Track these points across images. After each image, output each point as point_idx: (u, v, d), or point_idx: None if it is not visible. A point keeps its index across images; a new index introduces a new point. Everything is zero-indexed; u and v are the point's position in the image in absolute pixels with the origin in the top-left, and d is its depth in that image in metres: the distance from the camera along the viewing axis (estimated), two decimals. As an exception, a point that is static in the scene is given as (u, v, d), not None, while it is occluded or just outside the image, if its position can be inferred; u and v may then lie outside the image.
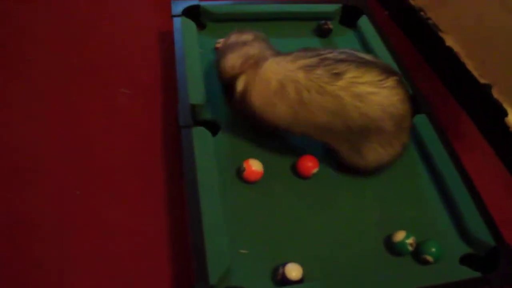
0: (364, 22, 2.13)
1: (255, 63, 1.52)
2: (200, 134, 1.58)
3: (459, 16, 2.24)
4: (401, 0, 2.57)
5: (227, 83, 1.59)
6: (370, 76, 1.42)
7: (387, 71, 1.45)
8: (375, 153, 1.52)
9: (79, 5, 2.51)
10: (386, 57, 1.98)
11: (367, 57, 1.47)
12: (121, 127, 1.94)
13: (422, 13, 2.45)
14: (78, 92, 2.07)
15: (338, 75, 1.41)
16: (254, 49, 1.56)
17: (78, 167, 1.81)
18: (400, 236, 1.43)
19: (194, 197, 1.41)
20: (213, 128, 1.67)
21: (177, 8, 2.05)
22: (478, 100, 2.14)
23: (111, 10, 2.51)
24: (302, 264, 1.35)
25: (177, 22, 2.00)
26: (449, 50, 2.26)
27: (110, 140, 1.90)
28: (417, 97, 1.82)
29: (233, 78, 1.55)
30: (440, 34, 2.33)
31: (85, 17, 2.45)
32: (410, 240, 1.42)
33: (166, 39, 2.32)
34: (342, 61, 1.43)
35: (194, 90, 1.70)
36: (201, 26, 2.08)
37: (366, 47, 2.07)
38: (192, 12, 2.06)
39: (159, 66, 2.20)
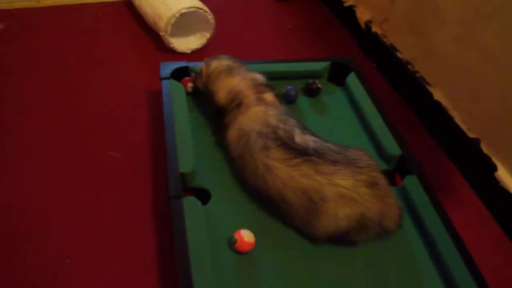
0: (352, 80, 2.15)
1: (238, 105, 1.79)
2: (191, 205, 1.57)
3: (446, 69, 2.27)
4: (389, 53, 2.60)
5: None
6: (280, 155, 1.59)
7: (297, 154, 1.59)
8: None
9: (67, 66, 2.52)
10: (374, 114, 1.99)
11: (299, 139, 1.63)
12: (110, 192, 1.93)
13: (409, 66, 2.48)
14: (67, 154, 2.06)
15: (266, 148, 1.63)
16: (241, 85, 1.85)
17: (68, 234, 1.79)
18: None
19: (186, 273, 1.39)
20: (203, 195, 1.66)
21: (166, 70, 2.06)
22: (467, 154, 2.15)
23: (99, 71, 2.52)
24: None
25: (166, 84, 2.01)
26: (437, 104, 2.28)
27: (99, 205, 1.89)
28: (407, 158, 1.82)
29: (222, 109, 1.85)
30: (428, 87, 2.35)
31: (72, 77, 2.46)
32: (404, 309, 1.41)
33: (155, 98, 2.33)
34: (278, 139, 1.63)
35: (184, 158, 1.70)
36: (190, 88, 2.09)
37: (355, 105, 2.08)
38: (180, 74, 2.07)
39: (148, 127, 2.21)
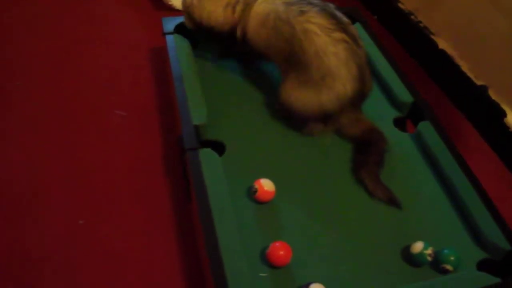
0: (358, 30, 2.10)
1: (246, 6, 1.76)
2: (207, 156, 1.54)
3: (451, 18, 2.24)
4: (390, 4, 2.56)
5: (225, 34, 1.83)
6: (322, 21, 1.60)
7: (340, 28, 1.61)
8: (300, 93, 1.66)
9: (66, 29, 2.46)
10: (383, 63, 1.97)
11: (338, 13, 1.65)
12: (119, 152, 1.90)
13: (412, 17, 2.44)
14: (71, 117, 2.02)
15: (302, 12, 1.62)
16: None
17: (78, 195, 1.76)
18: (418, 247, 1.41)
19: (208, 223, 1.37)
20: (218, 148, 1.63)
21: (169, 26, 2.00)
22: (475, 102, 2.13)
23: (98, 32, 2.46)
24: (322, 282, 1.32)
25: (170, 40, 1.96)
26: (443, 53, 2.25)
27: (109, 165, 1.86)
28: (419, 104, 1.80)
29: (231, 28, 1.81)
30: (432, 37, 2.32)
31: (72, 40, 2.40)
32: (428, 251, 1.40)
33: (157, 57, 2.28)
34: (312, 4, 1.64)
35: (196, 110, 1.66)
36: (194, 43, 2.04)
37: (362, 55, 2.04)
38: (184, 29, 2.01)
39: (153, 85, 2.16)
